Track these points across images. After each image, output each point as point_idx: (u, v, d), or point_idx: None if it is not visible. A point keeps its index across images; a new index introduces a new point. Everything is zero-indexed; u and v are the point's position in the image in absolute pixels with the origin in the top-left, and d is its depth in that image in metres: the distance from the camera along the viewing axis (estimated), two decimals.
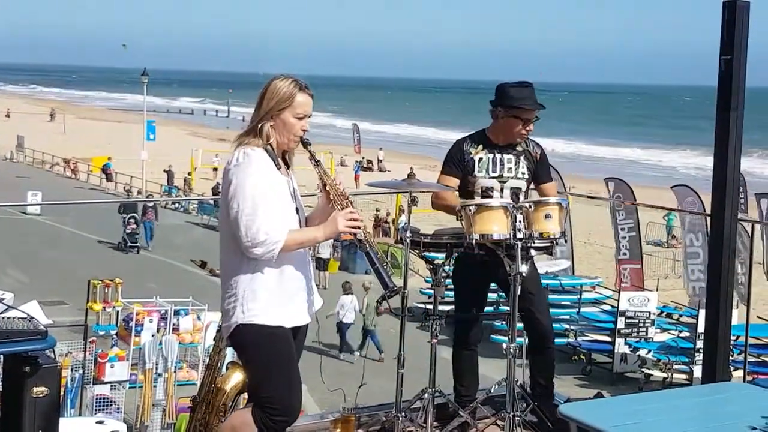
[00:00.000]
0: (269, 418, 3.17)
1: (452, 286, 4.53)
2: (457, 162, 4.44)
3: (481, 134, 4.50)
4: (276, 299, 3.18)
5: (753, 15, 4.38)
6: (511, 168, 4.42)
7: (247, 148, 3.18)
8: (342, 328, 15.52)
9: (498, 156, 4.42)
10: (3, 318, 3.02)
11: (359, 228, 3.20)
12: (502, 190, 4.39)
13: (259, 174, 3.14)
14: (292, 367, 3.24)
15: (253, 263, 3.14)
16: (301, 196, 3.42)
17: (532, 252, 4.01)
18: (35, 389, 2.92)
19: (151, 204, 26.50)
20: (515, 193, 4.38)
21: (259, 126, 3.20)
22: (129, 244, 24.76)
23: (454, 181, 4.44)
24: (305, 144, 3.28)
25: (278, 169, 3.23)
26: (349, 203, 3.25)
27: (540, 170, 4.50)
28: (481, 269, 4.30)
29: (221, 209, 3.25)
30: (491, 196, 4.35)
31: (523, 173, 4.43)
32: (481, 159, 4.41)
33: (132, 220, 24.84)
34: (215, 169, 38.69)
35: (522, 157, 4.44)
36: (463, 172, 4.42)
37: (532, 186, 4.54)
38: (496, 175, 4.40)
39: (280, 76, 3.25)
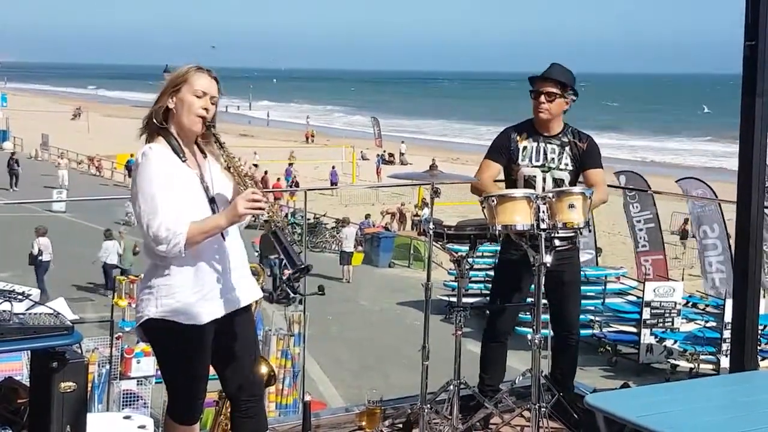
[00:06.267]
0: (172, 412, 3.25)
1: (483, 279, 4.52)
2: (502, 149, 4.44)
3: (527, 123, 4.50)
4: (191, 296, 3.10)
5: None
6: (554, 158, 4.39)
7: (146, 147, 3.11)
8: (106, 269, 18.68)
9: (542, 145, 4.41)
10: (30, 314, 3.04)
11: (262, 209, 3.03)
12: (545, 179, 4.37)
13: (157, 171, 3.03)
14: (197, 367, 3.20)
15: (167, 260, 3.07)
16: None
17: (556, 242, 3.98)
18: (63, 384, 2.94)
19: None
20: (558, 183, 4.35)
21: (156, 109, 3.12)
22: (291, 295, 15.30)
23: (497, 167, 4.45)
24: (209, 127, 3.15)
25: (184, 161, 3.12)
26: (254, 183, 3.14)
27: (586, 159, 4.43)
28: (523, 266, 4.25)
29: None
30: (533, 186, 4.33)
31: (567, 164, 4.40)
32: (525, 147, 4.41)
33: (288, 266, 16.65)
34: None
35: (567, 148, 4.41)
36: (508, 160, 4.42)
37: (581, 179, 4.48)
38: (539, 164, 4.39)
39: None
